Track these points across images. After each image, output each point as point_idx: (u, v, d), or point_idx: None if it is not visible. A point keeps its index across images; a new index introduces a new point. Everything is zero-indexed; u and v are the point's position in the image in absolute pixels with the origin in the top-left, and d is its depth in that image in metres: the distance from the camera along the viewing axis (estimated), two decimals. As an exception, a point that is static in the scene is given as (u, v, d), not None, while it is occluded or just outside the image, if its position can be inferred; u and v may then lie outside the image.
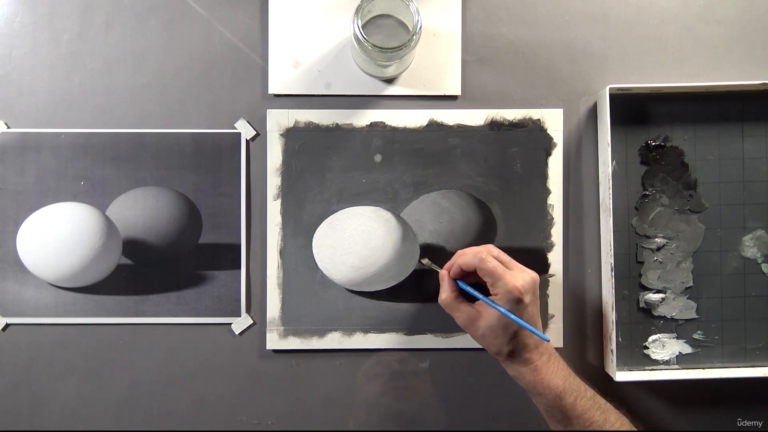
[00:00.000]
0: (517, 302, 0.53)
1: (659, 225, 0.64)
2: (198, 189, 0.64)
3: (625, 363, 0.64)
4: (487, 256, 0.54)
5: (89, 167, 0.64)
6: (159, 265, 0.64)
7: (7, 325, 0.64)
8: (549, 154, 0.65)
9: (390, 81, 0.64)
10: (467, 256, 0.55)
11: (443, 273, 0.58)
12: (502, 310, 0.53)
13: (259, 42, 0.65)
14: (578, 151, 0.65)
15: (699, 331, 0.65)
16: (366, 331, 0.64)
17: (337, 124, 0.64)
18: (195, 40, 0.65)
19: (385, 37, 0.62)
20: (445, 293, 0.57)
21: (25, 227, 0.63)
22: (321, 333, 0.64)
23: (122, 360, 0.64)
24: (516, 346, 0.54)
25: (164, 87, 0.64)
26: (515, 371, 0.56)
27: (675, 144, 0.64)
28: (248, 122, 0.65)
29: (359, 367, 0.65)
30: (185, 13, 0.65)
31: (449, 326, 0.64)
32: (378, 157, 0.65)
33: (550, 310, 0.65)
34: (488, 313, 0.54)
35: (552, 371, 0.55)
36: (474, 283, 0.57)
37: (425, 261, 0.62)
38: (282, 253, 0.64)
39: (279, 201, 0.64)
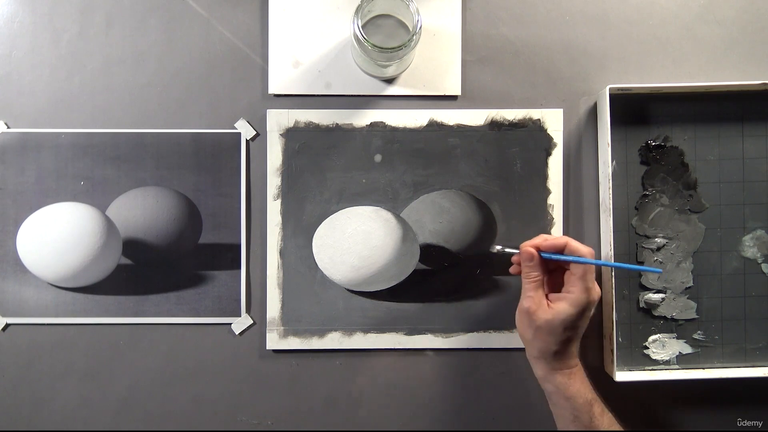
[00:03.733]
0: (584, 310, 0.54)
1: (659, 225, 0.64)
2: (198, 189, 0.64)
3: (625, 363, 0.64)
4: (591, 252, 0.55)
5: (89, 167, 0.64)
6: (159, 265, 0.64)
7: (7, 325, 0.64)
8: (549, 154, 0.65)
9: (390, 81, 0.64)
10: (579, 245, 0.55)
11: (532, 251, 0.56)
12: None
13: (259, 42, 0.65)
14: (578, 151, 0.65)
15: (699, 331, 0.65)
16: (366, 331, 0.64)
17: (337, 124, 0.64)
18: (195, 40, 0.65)
19: (385, 37, 0.62)
20: (538, 273, 0.56)
21: (25, 227, 0.63)
22: (321, 333, 0.64)
23: (122, 360, 0.64)
24: (563, 348, 0.55)
25: (164, 87, 0.64)
26: (545, 372, 0.56)
27: (675, 144, 0.64)
28: (248, 122, 0.65)
29: (359, 367, 0.65)
30: (185, 13, 0.65)
31: (449, 326, 0.64)
32: (378, 157, 0.65)
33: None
34: (555, 309, 0.54)
35: (584, 381, 0.57)
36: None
37: (497, 248, 0.59)
38: (282, 253, 0.64)
39: (279, 201, 0.64)
